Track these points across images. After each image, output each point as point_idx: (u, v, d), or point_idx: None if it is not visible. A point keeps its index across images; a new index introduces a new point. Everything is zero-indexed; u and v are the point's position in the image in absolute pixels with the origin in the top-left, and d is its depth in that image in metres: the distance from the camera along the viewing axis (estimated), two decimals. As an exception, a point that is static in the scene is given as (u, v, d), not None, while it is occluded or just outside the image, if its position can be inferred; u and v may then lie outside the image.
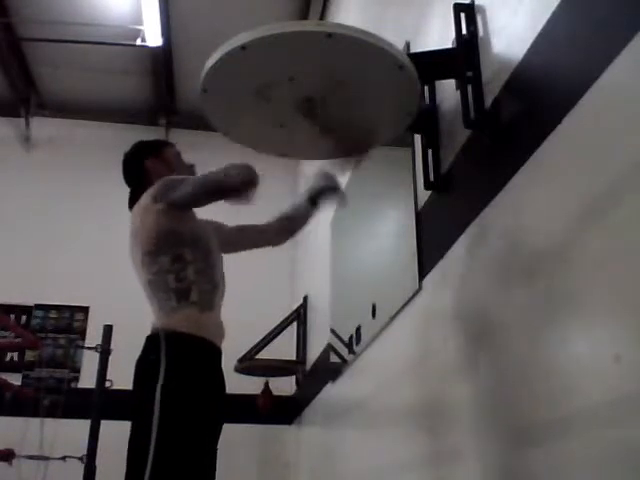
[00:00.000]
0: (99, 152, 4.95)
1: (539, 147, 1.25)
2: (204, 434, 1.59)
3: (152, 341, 1.62)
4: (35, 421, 3.52)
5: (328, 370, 3.14)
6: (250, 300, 4.15)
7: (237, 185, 1.65)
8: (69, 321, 4.70)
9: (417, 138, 1.99)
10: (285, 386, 4.40)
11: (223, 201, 1.68)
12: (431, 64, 1.71)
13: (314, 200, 2.01)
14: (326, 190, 1.99)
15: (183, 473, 1.51)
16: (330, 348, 3.13)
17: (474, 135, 1.59)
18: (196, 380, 1.60)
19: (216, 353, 1.70)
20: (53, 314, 4.71)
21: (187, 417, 1.54)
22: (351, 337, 2.67)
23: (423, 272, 1.88)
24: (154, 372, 1.55)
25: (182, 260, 1.68)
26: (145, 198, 1.74)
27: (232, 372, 3.61)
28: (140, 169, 1.88)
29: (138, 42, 4.24)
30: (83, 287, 4.61)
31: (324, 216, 3.52)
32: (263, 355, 3.99)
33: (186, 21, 4.43)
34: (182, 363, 1.59)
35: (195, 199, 1.71)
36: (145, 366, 1.61)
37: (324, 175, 1.99)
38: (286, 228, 2.07)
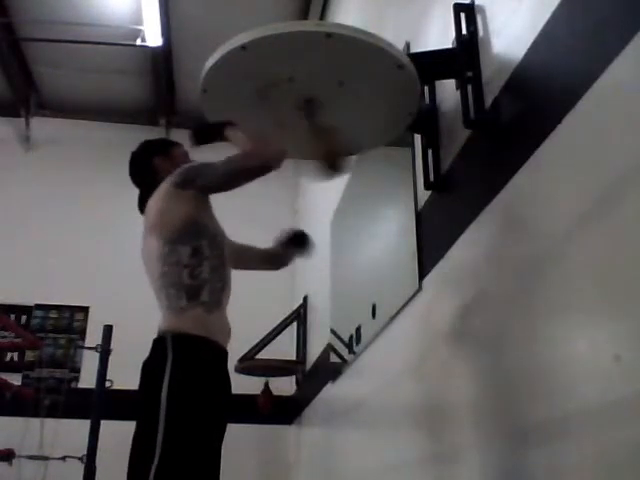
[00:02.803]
0: (99, 152, 4.95)
1: (539, 147, 1.25)
2: (210, 435, 1.59)
3: (159, 343, 1.62)
4: (35, 421, 3.52)
5: (328, 370, 3.14)
6: (250, 300, 4.14)
7: (264, 159, 1.65)
8: (69, 321, 4.70)
9: (417, 138, 1.99)
10: (285, 386, 4.39)
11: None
12: (431, 64, 1.71)
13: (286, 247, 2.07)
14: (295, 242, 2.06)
15: (189, 473, 1.51)
16: (330, 348, 3.13)
17: (474, 135, 1.59)
18: (202, 382, 1.60)
19: (222, 354, 1.69)
20: (53, 314, 4.71)
21: (193, 419, 1.54)
22: (351, 337, 2.67)
23: (423, 272, 1.88)
24: (160, 374, 1.55)
25: (200, 254, 1.67)
26: (165, 186, 1.72)
27: (232, 372, 3.60)
28: (148, 168, 1.87)
29: (138, 42, 4.23)
30: (83, 287, 4.61)
31: (324, 216, 3.52)
32: (263, 355, 3.99)
33: (186, 21, 4.43)
34: (188, 365, 1.59)
35: (226, 180, 1.70)
36: (152, 368, 1.60)
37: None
38: (272, 261, 2.12)
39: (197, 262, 1.66)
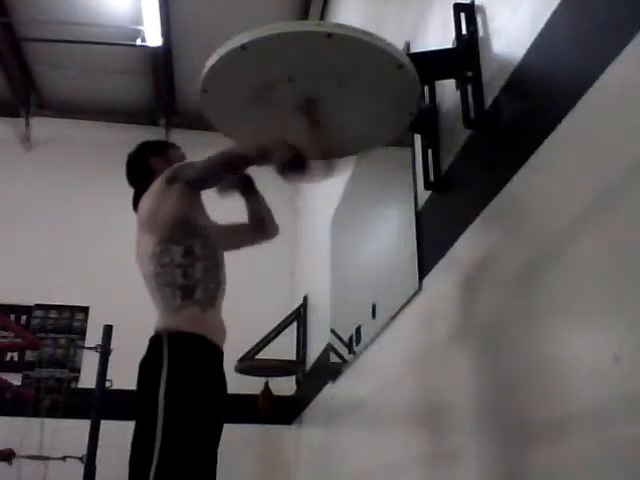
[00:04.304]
0: (99, 152, 4.95)
1: (539, 147, 1.25)
2: (207, 434, 1.59)
3: (155, 342, 1.62)
4: (35, 421, 3.52)
5: (328, 370, 3.14)
6: (250, 300, 4.14)
7: (248, 153, 1.64)
8: (69, 321, 4.70)
9: (417, 138, 1.99)
10: (285, 386, 4.39)
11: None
12: (431, 64, 1.71)
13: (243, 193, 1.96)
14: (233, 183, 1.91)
15: (188, 472, 1.51)
16: (330, 348, 3.13)
17: (474, 135, 1.59)
18: (198, 380, 1.60)
19: (218, 353, 1.70)
20: (53, 314, 4.71)
21: (191, 417, 1.54)
22: (351, 337, 2.67)
23: (423, 272, 1.88)
24: (157, 373, 1.55)
25: (192, 254, 1.68)
26: (157, 184, 1.73)
27: (232, 372, 3.61)
28: (144, 169, 1.88)
29: (138, 42, 4.23)
30: (83, 287, 4.61)
31: (324, 216, 3.52)
32: (263, 355, 3.99)
33: (186, 21, 4.43)
34: (185, 363, 1.59)
35: (209, 174, 1.70)
36: (148, 367, 1.61)
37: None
38: (256, 224, 1.99)
39: (189, 262, 1.67)
